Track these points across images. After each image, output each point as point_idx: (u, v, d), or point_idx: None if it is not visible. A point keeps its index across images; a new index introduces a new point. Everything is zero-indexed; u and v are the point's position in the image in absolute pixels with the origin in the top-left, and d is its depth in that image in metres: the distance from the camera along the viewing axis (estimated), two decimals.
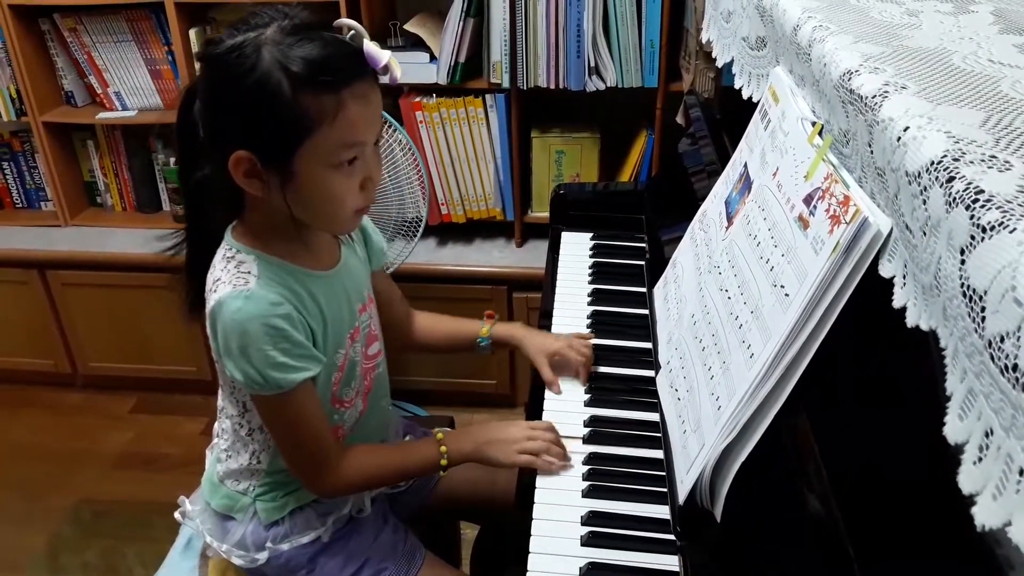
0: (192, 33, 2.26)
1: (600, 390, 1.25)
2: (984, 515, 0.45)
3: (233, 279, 0.97)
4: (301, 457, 1.07)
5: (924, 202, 0.57)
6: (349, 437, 1.16)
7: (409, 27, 2.19)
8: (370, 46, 0.93)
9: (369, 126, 0.96)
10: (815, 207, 0.84)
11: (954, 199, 0.52)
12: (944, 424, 0.52)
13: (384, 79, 0.96)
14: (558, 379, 1.26)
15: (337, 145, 0.92)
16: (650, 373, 1.24)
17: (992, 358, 0.46)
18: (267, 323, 0.95)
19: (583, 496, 1.06)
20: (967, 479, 0.47)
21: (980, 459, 0.46)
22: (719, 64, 1.40)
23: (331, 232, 1.09)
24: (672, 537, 0.99)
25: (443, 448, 1.11)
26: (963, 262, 0.50)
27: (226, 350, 0.97)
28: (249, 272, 0.98)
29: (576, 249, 1.64)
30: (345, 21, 0.94)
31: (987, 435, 0.46)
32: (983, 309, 0.47)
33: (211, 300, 0.98)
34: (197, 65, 0.95)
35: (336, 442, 1.09)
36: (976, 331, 0.48)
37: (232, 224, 1.04)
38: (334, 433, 1.12)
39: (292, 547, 1.12)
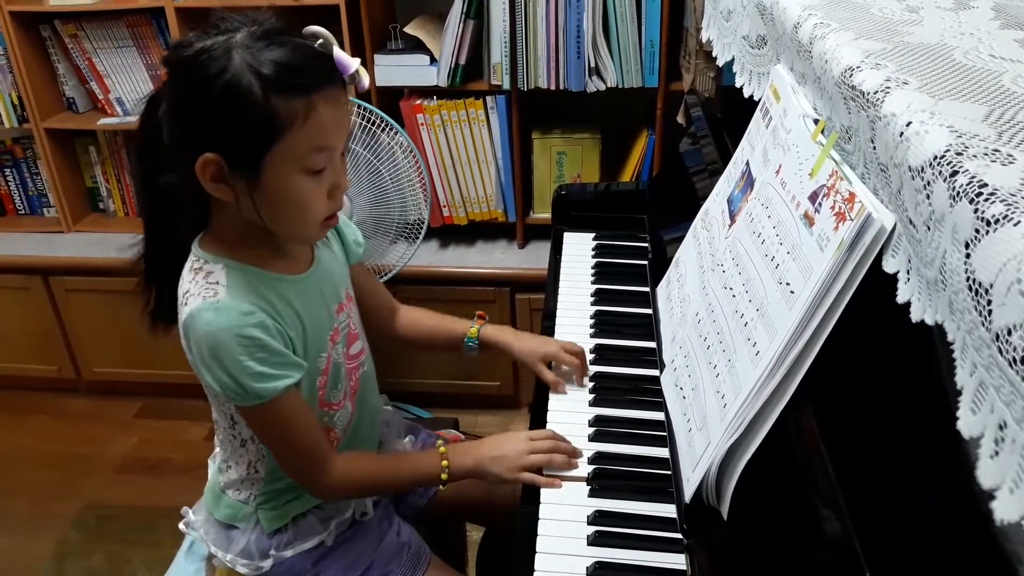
0: None
1: (604, 390, 1.25)
2: (1003, 510, 0.45)
3: (202, 291, 0.96)
4: (295, 462, 1.06)
5: (928, 197, 0.57)
6: (344, 439, 1.16)
7: (409, 29, 2.19)
8: (340, 52, 0.94)
9: (339, 131, 0.95)
10: (820, 204, 0.84)
11: (958, 193, 0.52)
12: (951, 418, 0.52)
13: (353, 88, 0.97)
14: (560, 380, 1.25)
15: (307, 148, 0.91)
16: (654, 372, 1.24)
17: (1000, 351, 0.46)
18: (240, 333, 0.94)
19: (589, 495, 1.06)
20: (986, 474, 0.47)
21: (996, 453, 0.46)
22: (719, 63, 1.40)
23: (297, 241, 1.06)
24: (679, 536, 0.99)
25: (445, 462, 1.10)
26: (968, 256, 0.50)
27: (203, 362, 0.96)
28: (217, 282, 0.97)
29: (578, 250, 1.64)
30: (314, 29, 0.94)
31: (1001, 428, 0.46)
32: (989, 302, 0.47)
33: (183, 314, 0.97)
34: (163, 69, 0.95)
35: (331, 443, 1.09)
36: (983, 324, 0.48)
37: (200, 235, 1.02)
38: (327, 436, 1.11)
39: (296, 553, 1.12)
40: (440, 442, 1.14)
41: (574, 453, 1.10)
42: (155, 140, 0.96)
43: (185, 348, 0.99)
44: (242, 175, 0.91)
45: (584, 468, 1.11)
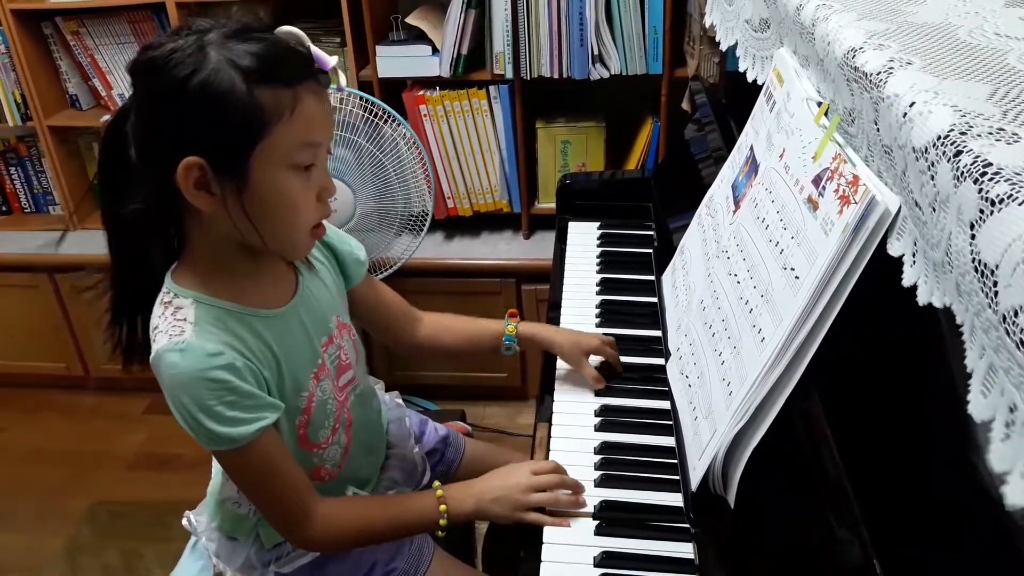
0: None
1: (610, 379, 1.24)
2: (1015, 494, 0.44)
3: (168, 328, 0.90)
4: (274, 510, 1.00)
5: (932, 178, 0.56)
6: (341, 474, 1.11)
7: (411, 20, 2.18)
8: (316, 49, 0.90)
9: (325, 127, 0.91)
10: (824, 188, 0.83)
11: (962, 173, 0.51)
12: (958, 404, 0.51)
13: (331, 89, 0.93)
14: (601, 377, 1.23)
15: (295, 144, 0.87)
16: (660, 361, 1.23)
17: (1008, 332, 0.45)
18: (207, 377, 0.88)
19: (595, 485, 1.06)
20: (997, 457, 0.46)
21: (1007, 436, 0.46)
22: (723, 48, 1.39)
23: (284, 254, 0.99)
24: (686, 525, 0.98)
25: (443, 507, 1.04)
26: (973, 237, 0.49)
27: (172, 404, 0.91)
28: (184, 319, 0.91)
29: (584, 239, 1.64)
30: (287, 28, 0.90)
31: (1011, 411, 0.45)
32: (995, 283, 0.46)
33: (152, 352, 0.91)
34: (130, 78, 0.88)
35: (313, 492, 1.01)
36: (990, 306, 0.47)
37: (173, 266, 0.96)
38: (317, 474, 1.06)
39: (296, 567, 1.10)
40: (436, 484, 1.08)
41: (577, 488, 1.05)
42: (121, 163, 0.90)
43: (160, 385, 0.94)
44: (229, 178, 0.85)
45: (591, 458, 1.10)
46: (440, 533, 1.06)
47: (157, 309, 0.94)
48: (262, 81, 0.83)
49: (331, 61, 0.91)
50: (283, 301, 1.00)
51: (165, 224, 0.94)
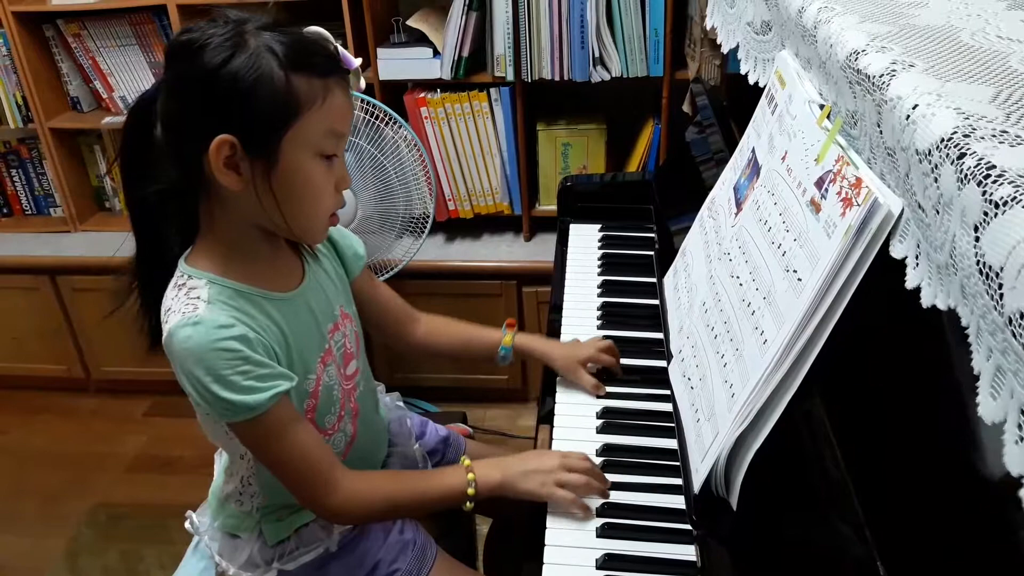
0: None
1: (612, 381, 1.24)
2: None
3: (182, 307, 0.92)
4: (298, 480, 1.00)
5: (935, 180, 0.56)
6: (345, 463, 1.09)
7: (412, 22, 2.18)
8: (342, 48, 0.95)
9: (348, 120, 0.96)
10: (827, 190, 0.83)
11: (966, 176, 0.51)
12: (960, 405, 0.51)
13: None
14: (600, 383, 1.23)
15: (323, 131, 0.91)
16: (662, 363, 1.23)
17: (1014, 335, 0.45)
18: (220, 347, 0.90)
19: None
20: (1013, 460, 0.46)
21: (1022, 438, 0.45)
22: (724, 50, 1.39)
23: (303, 237, 1.01)
24: (688, 527, 0.98)
25: (471, 476, 1.03)
26: (977, 239, 0.50)
27: (187, 379, 0.92)
28: (198, 297, 0.93)
29: (585, 241, 1.64)
30: (314, 28, 0.94)
31: (1023, 412, 0.45)
32: (1000, 286, 0.46)
33: (164, 332, 0.93)
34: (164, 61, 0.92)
35: (338, 462, 1.02)
36: (996, 308, 0.47)
37: (186, 252, 0.99)
38: None
39: (299, 565, 1.10)
40: (464, 458, 1.09)
41: (605, 481, 1.05)
42: (143, 147, 0.94)
43: (172, 367, 0.95)
44: (258, 158, 0.89)
45: (593, 460, 1.10)
46: (468, 505, 1.04)
47: (170, 292, 0.96)
48: (298, 69, 0.88)
49: (355, 62, 0.95)
50: (292, 286, 1.03)
51: (184, 208, 0.97)
